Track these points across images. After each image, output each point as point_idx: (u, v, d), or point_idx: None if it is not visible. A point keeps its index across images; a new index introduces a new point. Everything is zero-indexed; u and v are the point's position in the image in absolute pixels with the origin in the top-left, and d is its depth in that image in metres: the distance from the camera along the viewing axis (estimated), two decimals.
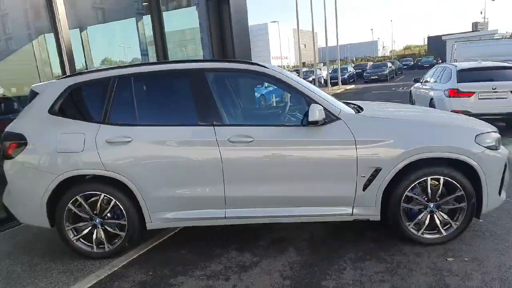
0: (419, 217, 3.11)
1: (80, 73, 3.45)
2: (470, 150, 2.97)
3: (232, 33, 8.22)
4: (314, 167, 3.06)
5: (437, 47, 47.40)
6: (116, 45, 9.48)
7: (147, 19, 8.16)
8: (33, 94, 3.31)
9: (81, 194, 3.14)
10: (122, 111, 3.22)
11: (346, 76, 30.24)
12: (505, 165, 3.14)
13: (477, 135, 3.05)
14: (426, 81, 9.70)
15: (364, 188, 3.04)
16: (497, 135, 3.19)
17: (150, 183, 3.10)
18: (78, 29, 8.00)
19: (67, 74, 4.13)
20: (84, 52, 8.12)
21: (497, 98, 7.31)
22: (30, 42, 7.19)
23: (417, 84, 10.51)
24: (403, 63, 46.32)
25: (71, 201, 3.14)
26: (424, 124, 3.20)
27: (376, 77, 29.39)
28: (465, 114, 5.96)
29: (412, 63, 47.77)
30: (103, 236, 3.23)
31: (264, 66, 3.30)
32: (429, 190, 3.06)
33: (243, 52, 8.48)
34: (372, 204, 3.08)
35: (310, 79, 24.74)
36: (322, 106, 3.02)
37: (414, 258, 2.96)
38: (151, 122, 3.19)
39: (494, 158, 3.06)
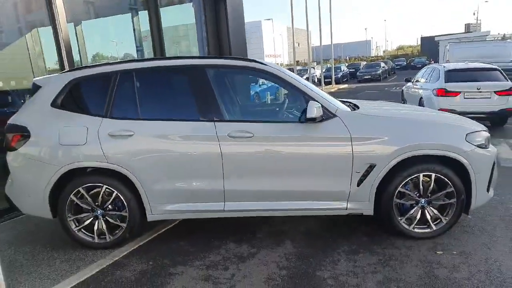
0: (411, 212, 3.24)
1: (82, 68, 3.50)
2: (461, 148, 3.10)
3: (228, 30, 8.28)
4: (311, 163, 3.17)
5: (430, 47, 47.95)
6: (110, 40, 9.47)
7: (141, 14, 8.18)
8: (36, 87, 3.36)
9: (83, 186, 3.21)
10: (124, 105, 3.28)
11: (339, 76, 30.45)
12: (494, 163, 3.28)
13: (468, 133, 3.18)
14: (417, 81, 10.07)
15: (359, 184, 3.15)
16: (487, 134, 3.33)
17: (151, 176, 3.18)
18: (73, 23, 7.98)
19: (69, 69, 4.17)
20: (78, 47, 8.12)
21: (481, 98, 7.79)
22: (23, 36, 7.17)
23: (408, 84, 10.86)
24: (396, 63, 46.76)
25: (73, 193, 3.20)
26: (417, 123, 3.32)
27: (369, 76, 29.67)
28: (451, 113, 6.37)
29: (405, 63, 48.27)
30: (104, 227, 3.30)
31: (264, 64, 3.40)
32: (421, 186, 3.18)
33: (239, 50, 8.54)
34: (366, 199, 3.19)
35: (304, 77, 24.85)
36: (320, 104, 3.12)
37: (405, 251, 3.09)
38: (152, 116, 3.26)
39: (484, 156, 3.20)
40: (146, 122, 3.21)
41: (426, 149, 3.09)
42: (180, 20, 9.82)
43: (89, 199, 3.24)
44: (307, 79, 24.35)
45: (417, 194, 3.22)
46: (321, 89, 3.97)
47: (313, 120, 3.07)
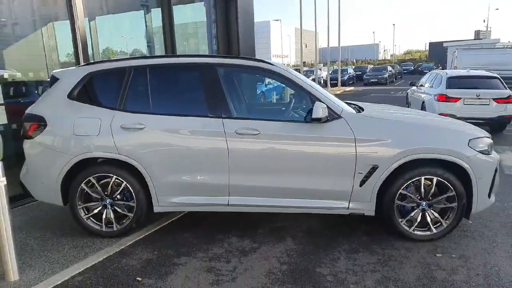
0: (412, 214, 3.30)
1: (99, 62, 3.62)
2: (463, 153, 3.16)
3: (238, 30, 8.39)
4: (315, 162, 3.24)
5: (438, 53, 47.75)
6: (120, 36, 9.60)
7: (153, 11, 8.30)
8: (54, 79, 3.48)
9: (94, 176, 3.32)
10: (137, 99, 3.39)
11: (345, 78, 30.41)
12: (496, 170, 3.34)
13: (471, 139, 3.24)
14: (421, 85, 10.39)
15: (361, 184, 3.22)
16: (490, 141, 3.38)
17: (159, 169, 3.28)
18: (87, 18, 8.11)
19: (84, 62, 4.28)
20: (92, 41, 8.26)
21: (480, 105, 8.15)
22: (39, 29, 7.31)
23: (413, 88, 11.19)
24: (404, 67, 46.62)
25: (84, 182, 3.31)
26: (420, 127, 3.38)
27: (376, 80, 29.63)
28: (451, 117, 6.74)
29: (412, 68, 48.08)
30: (112, 216, 3.40)
31: (272, 64, 3.48)
32: (422, 189, 3.24)
33: (248, 49, 8.64)
34: (368, 200, 3.27)
35: (310, 79, 24.87)
36: (326, 105, 3.19)
37: (404, 252, 3.16)
38: (163, 111, 3.36)
39: (486, 162, 3.25)
40: (157, 116, 3.31)
41: (428, 153, 3.15)
42: (191, 18, 9.93)
43: (99, 188, 3.35)
44: (314, 80, 24.42)
45: (419, 197, 3.28)
46: (327, 91, 4.04)
47: (318, 120, 3.15)
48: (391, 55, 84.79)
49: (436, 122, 3.71)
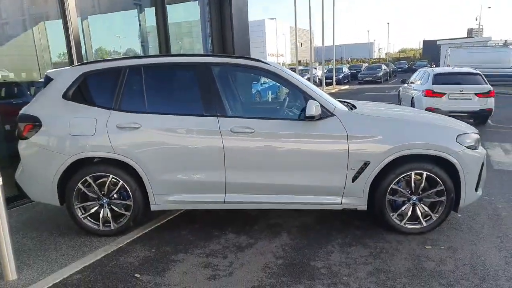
0: (403, 208, 3.39)
1: (93, 62, 3.66)
2: (451, 149, 3.25)
3: (232, 29, 8.43)
4: (309, 159, 3.31)
5: (432, 51, 48.08)
6: (113, 35, 9.61)
7: (147, 11, 8.32)
8: (48, 80, 3.51)
9: (90, 175, 3.36)
10: (132, 99, 3.43)
11: (340, 77, 30.54)
12: (482, 164, 3.44)
13: (459, 135, 3.33)
14: (412, 82, 11.01)
15: (353, 180, 3.30)
16: (477, 136, 3.48)
17: (156, 167, 3.33)
18: (80, 18, 8.11)
19: (78, 62, 4.31)
20: (84, 41, 8.26)
21: (463, 99, 8.89)
22: (30, 29, 7.30)
23: (404, 85, 11.78)
24: (398, 66, 46.85)
25: (81, 181, 3.35)
26: (410, 123, 3.47)
27: (370, 78, 29.80)
28: (437, 111, 7.92)
29: (406, 66, 48.35)
30: (109, 215, 3.45)
31: (267, 63, 3.55)
32: (412, 184, 3.33)
33: (242, 48, 8.69)
34: (360, 195, 3.35)
35: (305, 77, 25.01)
36: (319, 103, 3.27)
37: (396, 245, 3.25)
38: (159, 110, 3.41)
39: (473, 157, 3.35)
40: (153, 115, 3.36)
41: (418, 148, 3.24)
42: (185, 17, 9.95)
43: (95, 188, 3.39)
44: (309, 79, 24.52)
45: (409, 192, 3.37)
46: (322, 90, 4.13)
47: (311, 118, 3.22)
48: (386, 54, 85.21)
49: (426, 119, 3.80)
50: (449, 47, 21.81)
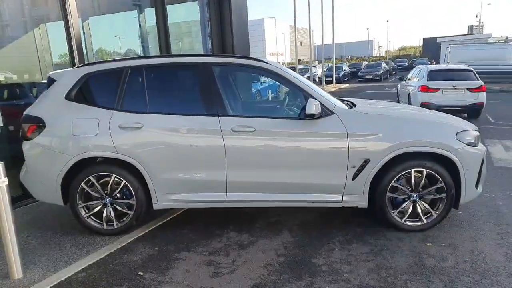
0: (403, 205, 3.41)
1: (95, 63, 3.68)
2: (451, 146, 3.27)
3: (232, 28, 8.45)
4: (309, 157, 3.34)
5: (432, 49, 48.05)
6: (113, 36, 9.64)
7: (147, 11, 8.35)
8: (51, 81, 3.55)
9: (94, 175, 3.39)
10: (134, 99, 3.47)
11: (340, 75, 30.51)
12: (482, 161, 3.46)
13: (458, 132, 3.36)
14: (409, 79, 11.46)
15: (354, 178, 3.33)
16: (476, 133, 3.50)
17: (158, 167, 3.36)
18: (80, 19, 8.15)
19: (79, 63, 4.34)
20: (85, 42, 8.30)
21: (456, 94, 9.41)
22: (32, 30, 7.34)
23: (402, 82, 12.16)
24: (398, 64, 46.80)
25: (84, 181, 3.39)
26: (410, 121, 3.49)
27: (370, 77, 29.77)
28: (431, 105, 8.55)
29: (406, 64, 48.29)
30: (112, 214, 3.48)
31: (269, 63, 3.58)
32: (413, 181, 3.36)
33: (242, 48, 8.71)
34: (361, 193, 3.37)
35: (305, 76, 25.01)
36: (319, 101, 3.29)
37: (396, 242, 3.27)
38: (161, 110, 3.44)
39: (473, 154, 3.37)
40: (155, 115, 3.39)
41: (418, 146, 3.26)
42: (185, 17, 9.98)
43: (98, 187, 3.43)
44: (309, 78, 24.53)
45: (409, 189, 3.39)
46: (322, 88, 4.15)
47: (311, 116, 3.25)
48: (386, 52, 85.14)
49: (426, 116, 3.82)
50: (450, 44, 21.77)
